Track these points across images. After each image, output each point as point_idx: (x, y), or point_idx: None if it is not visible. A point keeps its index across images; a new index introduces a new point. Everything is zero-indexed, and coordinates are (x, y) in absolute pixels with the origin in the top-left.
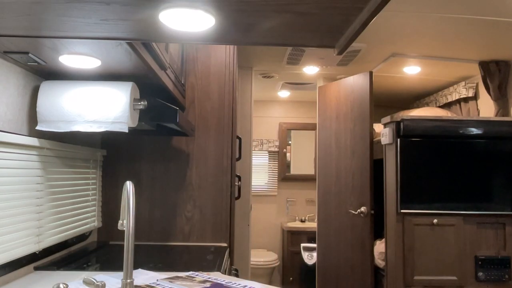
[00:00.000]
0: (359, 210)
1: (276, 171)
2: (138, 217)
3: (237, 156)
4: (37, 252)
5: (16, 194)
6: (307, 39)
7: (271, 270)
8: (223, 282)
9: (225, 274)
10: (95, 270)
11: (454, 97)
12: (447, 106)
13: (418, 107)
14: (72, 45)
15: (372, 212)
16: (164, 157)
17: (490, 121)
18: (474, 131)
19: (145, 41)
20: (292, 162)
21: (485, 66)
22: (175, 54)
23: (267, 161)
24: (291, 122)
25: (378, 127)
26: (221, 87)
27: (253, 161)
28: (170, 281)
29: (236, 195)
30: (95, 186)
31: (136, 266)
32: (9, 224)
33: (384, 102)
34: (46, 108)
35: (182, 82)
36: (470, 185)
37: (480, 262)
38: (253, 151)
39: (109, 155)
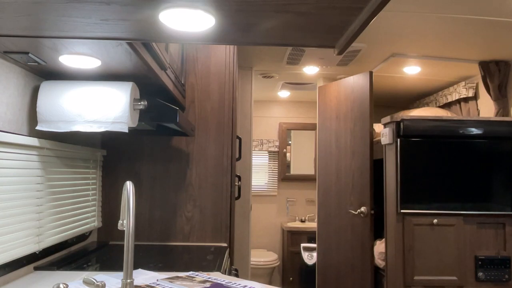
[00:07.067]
0: (359, 210)
1: (276, 171)
2: (138, 217)
3: (237, 156)
4: (37, 252)
5: (16, 194)
6: (307, 39)
7: (271, 270)
8: (223, 282)
9: (225, 274)
10: (95, 270)
11: (454, 97)
12: (447, 106)
13: (418, 107)
14: (72, 45)
15: (372, 212)
16: (164, 157)
17: (490, 121)
18: (474, 131)
19: (145, 41)
20: (292, 162)
21: (485, 66)
22: (175, 54)
23: (267, 161)
24: (291, 122)
25: (378, 127)
26: (221, 87)
27: (253, 161)
28: (170, 281)
29: (236, 195)
30: (95, 186)
31: (136, 266)
32: (9, 224)
33: (384, 102)
34: (46, 108)
35: (182, 82)
36: (470, 185)
37: (480, 262)
38: (253, 151)
39: (109, 155)
